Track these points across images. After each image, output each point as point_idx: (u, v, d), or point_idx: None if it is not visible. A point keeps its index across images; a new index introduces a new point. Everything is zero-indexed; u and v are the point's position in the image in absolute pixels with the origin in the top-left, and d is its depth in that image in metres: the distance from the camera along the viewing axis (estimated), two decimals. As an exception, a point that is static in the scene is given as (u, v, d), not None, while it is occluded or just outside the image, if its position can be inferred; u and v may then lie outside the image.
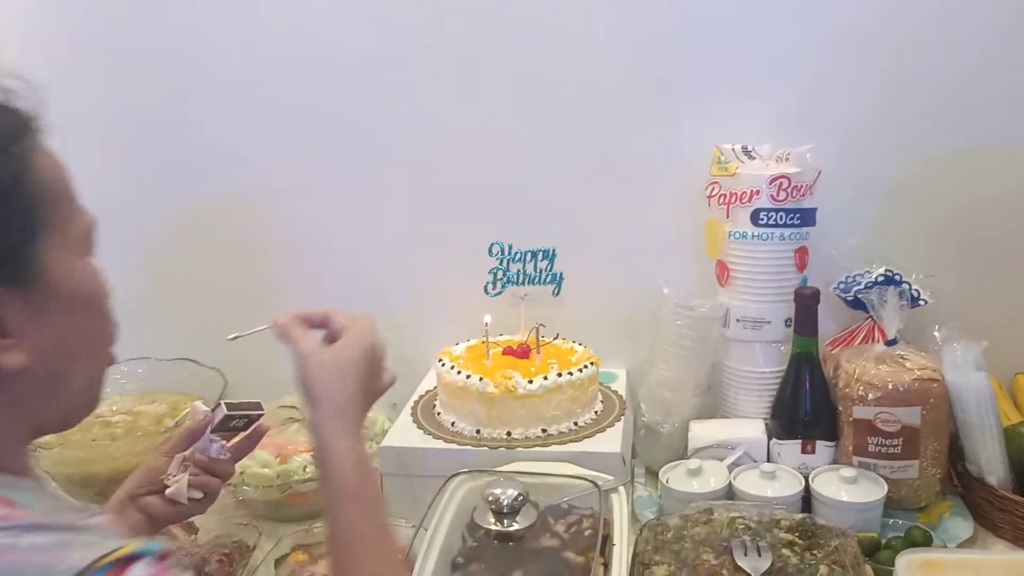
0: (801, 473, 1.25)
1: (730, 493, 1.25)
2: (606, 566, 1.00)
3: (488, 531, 1.05)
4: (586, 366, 1.34)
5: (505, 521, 1.04)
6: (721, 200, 1.36)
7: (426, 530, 1.07)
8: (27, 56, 1.50)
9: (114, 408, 1.53)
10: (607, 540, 1.04)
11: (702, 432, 1.34)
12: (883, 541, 1.16)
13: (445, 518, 1.10)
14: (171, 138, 1.58)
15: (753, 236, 1.33)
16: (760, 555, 1.05)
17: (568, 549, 1.03)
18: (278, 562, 1.16)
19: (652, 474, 1.37)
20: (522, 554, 1.02)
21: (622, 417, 1.36)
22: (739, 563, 1.04)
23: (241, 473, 1.29)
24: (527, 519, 1.05)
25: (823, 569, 1.02)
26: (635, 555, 1.09)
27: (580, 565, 1.00)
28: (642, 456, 1.43)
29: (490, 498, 1.05)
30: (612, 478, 1.16)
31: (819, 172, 1.33)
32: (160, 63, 1.54)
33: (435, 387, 1.44)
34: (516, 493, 1.05)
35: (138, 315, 1.63)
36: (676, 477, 1.28)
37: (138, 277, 1.65)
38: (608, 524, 1.07)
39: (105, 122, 1.57)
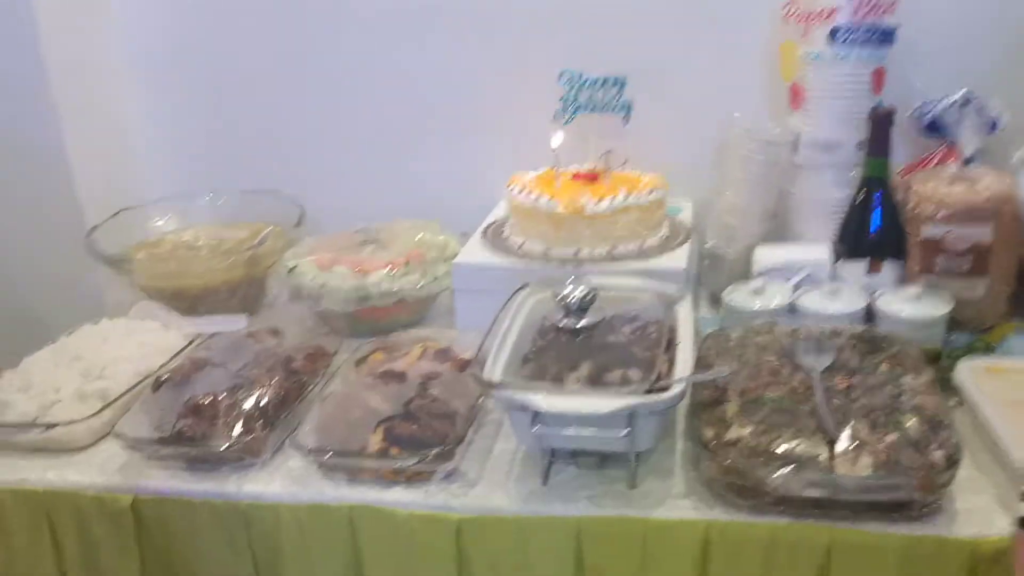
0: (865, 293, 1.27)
1: (793, 311, 1.27)
2: (670, 363, 1.04)
3: (558, 327, 1.09)
4: (654, 190, 1.36)
5: (574, 317, 1.09)
6: (799, 18, 1.33)
7: (495, 334, 1.11)
8: None
9: (199, 234, 1.61)
10: (672, 342, 1.08)
11: (766, 256, 1.35)
12: (945, 353, 1.18)
13: (515, 323, 1.14)
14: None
15: (830, 56, 1.31)
16: (821, 354, 1.08)
17: (634, 346, 1.08)
18: (358, 362, 1.23)
19: (716, 301, 1.39)
20: (591, 347, 1.07)
21: (687, 242, 1.38)
22: (800, 361, 1.07)
23: (321, 286, 1.36)
24: (595, 317, 1.09)
25: (884, 367, 1.05)
26: (698, 359, 1.13)
27: (646, 359, 1.04)
28: (706, 284, 1.45)
29: (560, 296, 1.09)
30: (677, 289, 1.19)
31: (903, -12, 1.29)
32: None
33: (504, 216, 1.47)
34: (586, 291, 1.09)
35: (215, 151, 1.73)
36: (739, 296, 1.30)
37: (214, 115, 1.72)
38: (672, 330, 1.11)
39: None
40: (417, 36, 1.58)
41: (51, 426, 1.13)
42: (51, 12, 1.50)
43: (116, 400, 1.17)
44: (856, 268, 1.30)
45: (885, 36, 1.30)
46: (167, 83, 1.71)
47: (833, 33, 1.29)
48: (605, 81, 1.45)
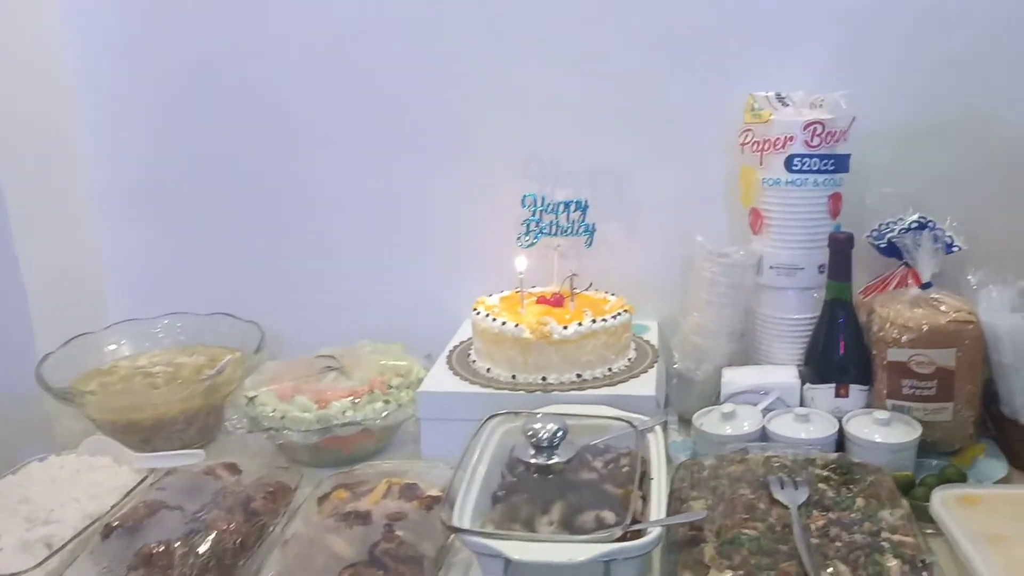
0: (835, 417, 1.26)
1: (764, 437, 1.26)
2: (644, 499, 1.02)
3: (528, 465, 1.06)
4: (620, 313, 1.36)
5: (545, 455, 1.06)
6: (754, 147, 1.36)
7: (464, 470, 1.08)
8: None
9: (154, 360, 1.57)
10: (645, 476, 1.06)
11: (735, 378, 1.35)
12: (917, 479, 1.17)
13: (484, 457, 1.11)
14: (210, 91, 1.61)
15: (787, 182, 1.34)
16: (797, 488, 1.06)
17: (607, 482, 1.05)
18: (321, 500, 1.18)
19: (685, 422, 1.38)
20: (562, 486, 1.04)
21: (655, 364, 1.37)
22: (776, 496, 1.05)
23: (282, 418, 1.32)
24: (566, 454, 1.07)
25: (860, 501, 1.04)
26: (672, 491, 1.11)
27: (619, 497, 1.01)
28: (675, 404, 1.43)
29: (530, 432, 1.06)
30: (648, 419, 1.18)
31: (853, 118, 1.33)
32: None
33: (469, 338, 1.45)
34: (556, 427, 1.06)
35: (174, 273, 1.70)
36: (710, 421, 1.29)
37: (173, 237, 1.70)
38: (645, 462, 1.09)
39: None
40: (380, 155, 1.58)
41: (-11, 579, 1.06)
42: (13, 143, 1.49)
43: (62, 548, 1.11)
44: (824, 392, 1.29)
45: (839, 163, 1.33)
46: (126, 207, 1.68)
47: (788, 162, 1.32)
48: (567, 205, 1.47)
